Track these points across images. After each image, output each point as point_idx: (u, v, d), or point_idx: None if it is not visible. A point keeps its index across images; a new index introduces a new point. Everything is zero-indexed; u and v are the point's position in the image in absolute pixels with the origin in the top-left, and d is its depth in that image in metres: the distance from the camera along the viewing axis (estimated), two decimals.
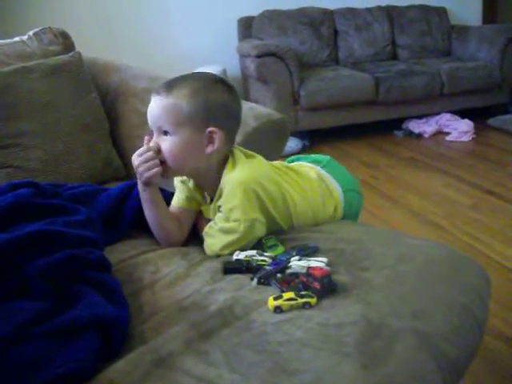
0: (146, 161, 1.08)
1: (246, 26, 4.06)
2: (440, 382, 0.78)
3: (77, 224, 1.07)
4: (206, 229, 1.14)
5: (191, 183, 1.20)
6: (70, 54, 1.73)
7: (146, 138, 1.11)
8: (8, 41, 1.81)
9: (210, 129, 1.07)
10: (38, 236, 0.96)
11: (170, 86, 1.08)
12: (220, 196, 1.11)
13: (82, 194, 1.27)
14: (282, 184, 1.17)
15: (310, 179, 1.25)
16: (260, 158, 1.16)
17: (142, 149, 1.10)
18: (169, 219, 1.17)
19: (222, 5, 4.08)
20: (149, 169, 1.08)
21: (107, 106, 1.75)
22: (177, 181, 1.22)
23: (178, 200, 1.21)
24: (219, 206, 1.11)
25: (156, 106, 1.08)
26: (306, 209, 1.20)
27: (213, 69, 3.65)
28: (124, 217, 1.23)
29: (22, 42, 1.81)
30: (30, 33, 1.85)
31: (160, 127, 1.08)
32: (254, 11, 4.03)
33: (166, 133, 1.08)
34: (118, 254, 1.12)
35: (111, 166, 1.65)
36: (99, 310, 0.82)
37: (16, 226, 1.03)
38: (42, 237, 0.96)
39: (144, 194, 1.15)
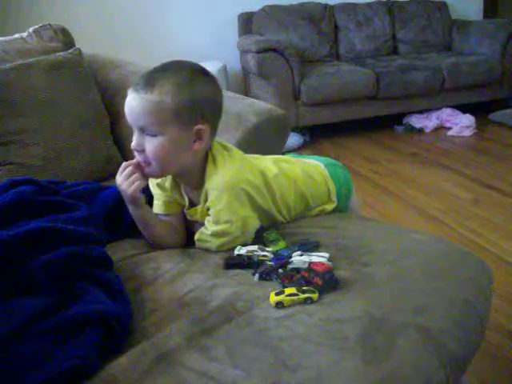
0: (128, 177, 1.05)
1: (246, 22, 4.04)
2: (443, 377, 0.78)
3: (78, 221, 1.07)
4: (198, 236, 1.11)
5: (168, 183, 1.15)
6: (70, 50, 1.73)
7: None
8: (8, 38, 1.81)
9: (198, 126, 1.02)
10: (40, 233, 0.96)
11: (151, 81, 1.00)
12: (206, 198, 1.08)
13: (83, 191, 1.27)
14: (270, 170, 1.16)
15: (291, 160, 1.27)
16: (239, 152, 1.14)
17: (122, 165, 1.07)
18: (164, 231, 1.14)
19: (222, 0, 4.06)
20: (130, 184, 1.05)
21: (107, 102, 1.74)
22: (152, 187, 1.17)
23: (158, 208, 1.16)
24: (208, 209, 1.09)
25: (137, 105, 1.00)
26: (300, 186, 1.20)
27: (213, 65, 3.64)
28: (125, 215, 1.22)
29: (22, 38, 1.81)
30: (30, 30, 1.84)
31: (142, 127, 1.01)
32: (254, 7, 4.02)
33: (147, 131, 1.02)
34: (120, 251, 1.12)
35: (112, 162, 1.64)
36: (101, 307, 0.82)
37: (18, 223, 1.02)
38: (43, 234, 0.96)
39: (134, 214, 1.12)
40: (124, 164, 1.06)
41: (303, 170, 1.24)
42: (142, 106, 0.99)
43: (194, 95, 1.01)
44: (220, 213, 1.06)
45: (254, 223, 1.11)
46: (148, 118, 1.00)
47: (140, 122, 1.01)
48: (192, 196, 1.14)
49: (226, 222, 1.07)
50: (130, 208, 1.11)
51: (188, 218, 1.16)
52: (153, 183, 1.16)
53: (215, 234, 1.08)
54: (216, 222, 1.08)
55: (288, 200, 1.18)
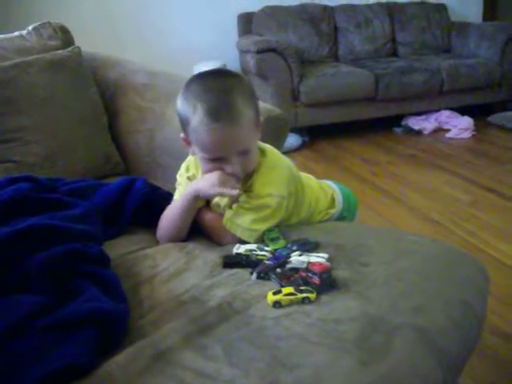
0: (226, 182, 1.06)
1: (246, 22, 4.05)
2: (440, 378, 0.78)
3: (76, 218, 1.07)
4: (235, 207, 1.12)
5: (200, 175, 1.17)
6: (70, 48, 1.73)
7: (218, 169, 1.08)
8: (7, 35, 1.81)
9: (258, 123, 1.08)
10: (37, 230, 0.96)
11: (233, 106, 1.01)
12: (249, 177, 1.11)
13: (81, 188, 1.27)
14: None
15: (311, 178, 1.31)
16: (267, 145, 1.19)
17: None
18: (187, 227, 1.17)
19: (222, 0, 4.07)
20: (219, 186, 1.07)
21: (106, 100, 1.74)
22: (181, 178, 1.21)
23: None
24: (249, 186, 1.11)
25: (237, 132, 1.01)
26: (310, 195, 1.23)
27: (213, 64, 3.64)
28: (124, 212, 1.23)
29: (22, 36, 1.81)
30: (30, 27, 1.84)
31: (243, 149, 1.05)
32: (254, 7, 4.02)
33: (246, 151, 1.06)
34: (118, 248, 1.12)
35: (110, 160, 1.65)
36: (98, 304, 0.82)
37: (15, 220, 1.02)
38: (41, 231, 0.96)
39: (188, 205, 1.13)
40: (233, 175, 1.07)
41: (325, 194, 1.29)
42: (242, 130, 1.02)
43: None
44: (265, 185, 1.09)
45: (283, 210, 1.12)
46: (249, 138, 1.05)
47: (242, 145, 1.04)
48: None
49: (268, 194, 1.09)
50: (190, 198, 1.12)
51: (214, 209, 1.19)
52: (183, 177, 1.20)
53: (254, 207, 1.10)
54: (257, 197, 1.10)
55: (300, 211, 1.21)
